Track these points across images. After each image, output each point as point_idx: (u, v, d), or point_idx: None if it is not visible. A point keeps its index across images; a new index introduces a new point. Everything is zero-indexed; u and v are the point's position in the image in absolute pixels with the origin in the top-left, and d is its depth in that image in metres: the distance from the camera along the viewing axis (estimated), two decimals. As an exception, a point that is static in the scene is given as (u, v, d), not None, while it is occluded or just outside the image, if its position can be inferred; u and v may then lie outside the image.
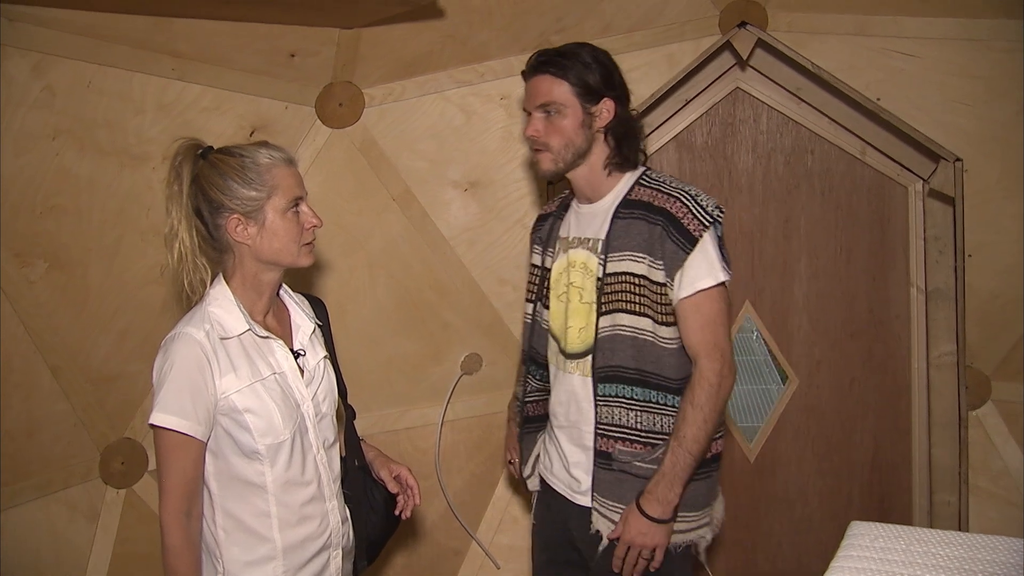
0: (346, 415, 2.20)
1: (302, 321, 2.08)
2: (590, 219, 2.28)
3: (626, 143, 2.24)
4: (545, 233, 2.45)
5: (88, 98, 2.44)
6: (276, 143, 2.00)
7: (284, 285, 2.09)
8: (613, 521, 2.21)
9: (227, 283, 1.95)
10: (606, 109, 2.20)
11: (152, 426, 1.83)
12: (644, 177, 2.25)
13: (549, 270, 2.39)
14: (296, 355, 2.01)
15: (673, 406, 2.17)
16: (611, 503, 2.22)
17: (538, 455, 2.51)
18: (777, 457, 3.49)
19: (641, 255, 2.14)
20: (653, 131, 3.27)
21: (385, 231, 3.10)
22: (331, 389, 2.09)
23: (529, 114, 2.25)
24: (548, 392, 2.43)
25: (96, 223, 2.58)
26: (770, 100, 3.28)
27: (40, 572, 2.71)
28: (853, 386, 3.41)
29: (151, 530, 2.81)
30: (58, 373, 2.62)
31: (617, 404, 2.19)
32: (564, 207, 2.42)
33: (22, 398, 2.57)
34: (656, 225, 2.13)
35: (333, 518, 2.04)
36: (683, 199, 2.14)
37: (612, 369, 2.19)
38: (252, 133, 2.77)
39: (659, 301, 2.14)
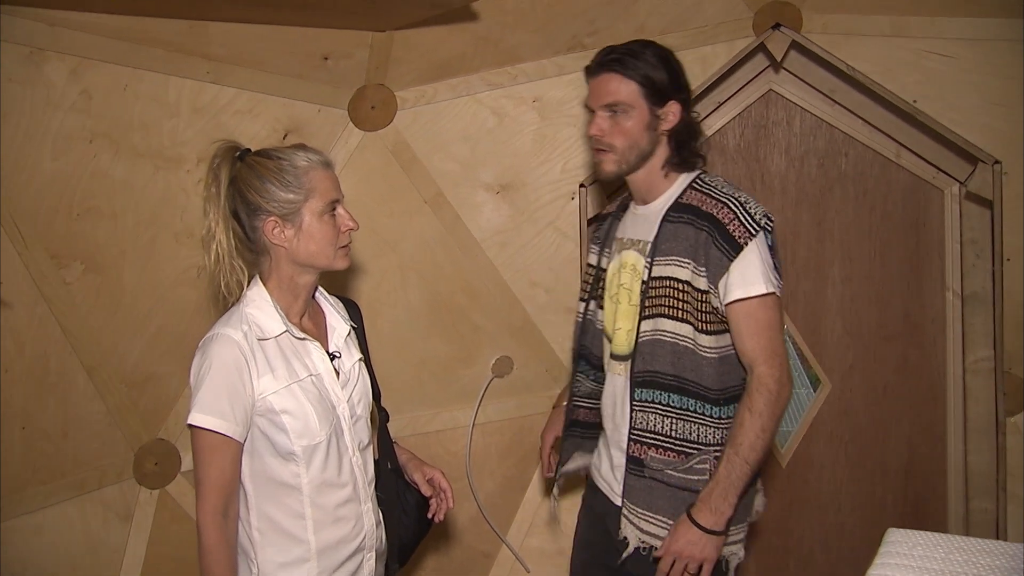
0: (380, 418, 2.20)
1: (337, 323, 2.08)
2: (643, 221, 2.25)
3: (687, 146, 2.20)
4: (603, 233, 2.41)
5: (124, 101, 2.47)
6: (313, 146, 2.01)
7: (320, 287, 2.09)
8: (640, 528, 2.18)
9: (264, 285, 1.96)
10: (672, 112, 2.16)
11: (190, 426, 1.83)
12: (697, 180, 2.20)
13: (605, 270, 2.35)
14: (332, 357, 2.01)
15: (709, 415, 2.13)
16: (640, 510, 2.18)
17: (579, 461, 2.50)
18: (810, 462, 3.45)
19: (686, 260, 2.10)
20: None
21: (417, 233, 3.11)
22: (366, 391, 2.09)
23: (592, 113, 2.19)
24: (598, 398, 2.38)
25: (131, 225, 2.60)
26: (803, 102, 3.25)
27: (75, 571, 2.73)
28: (887, 391, 3.37)
29: (184, 530, 2.85)
30: (93, 373, 2.64)
31: (653, 410, 2.15)
32: (623, 207, 2.38)
33: (58, 398, 2.60)
34: (702, 231, 2.09)
35: (368, 520, 2.04)
36: (731, 205, 2.09)
37: (650, 374, 2.15)
38: (285, 136, 2.79)
39: (701, 308, 2.10)
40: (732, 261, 2.05)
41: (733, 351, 2.15)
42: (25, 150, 2.33)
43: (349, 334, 2.10)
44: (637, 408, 2.18)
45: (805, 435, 3.45)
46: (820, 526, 3.47)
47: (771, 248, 2.10)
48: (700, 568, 2.09)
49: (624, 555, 2.20)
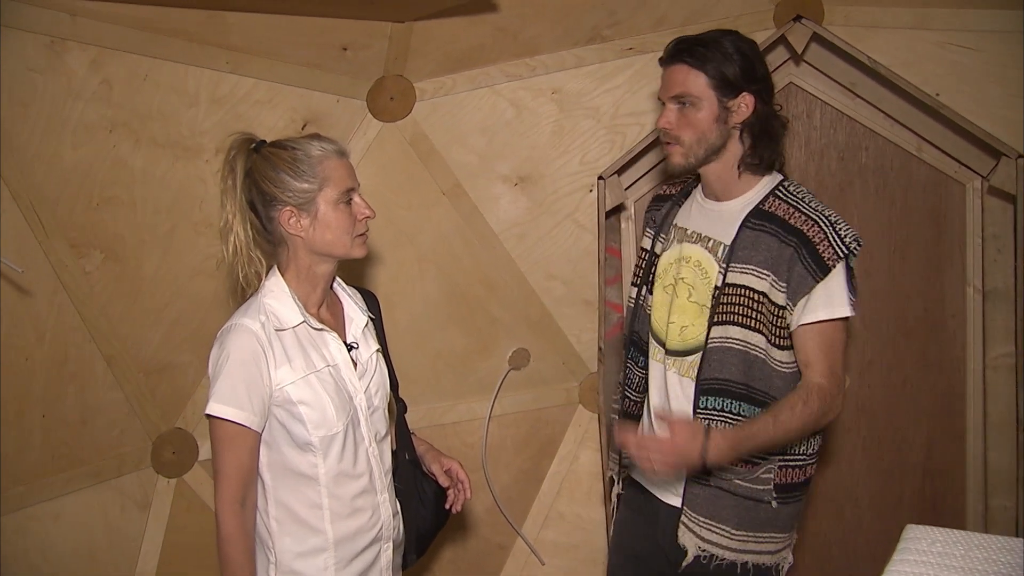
0: (397, 408, 2.20)
1: (355, 314, 2.09)
2: (715, 218, 2.19)
3: (763, 143, 2.13)
4: (660, 217, 2.35)
5: (144, 91, 2.47)
6: (328, 136, 2.01)
7: (338, 278, 2.10)
8: (701, 537, 2.15)
9: (282, 276, 1.96)
10: (744, 104, 2.09)
11: (208, 416, 1.85)
12: (781, 188, 2.14)
13: (658, 256, 2.30)
14: (349, 348, 2.01)
15: None
16: (702, 519, 2.15)
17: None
18: (827, 457, 3.43)
19: (765, 272, 2.05)
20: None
21: (435, 225, 3.11)
22: (383, 382, 2.09)
23: (663, 104, 2.16)
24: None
25: (150, 215, 2.61)
26: (824, 95, 3.22)
27: (94, 558, 2.76)
28: (906, 386, 3.35)
29: (201, 519, 2.86)
30: (112, 362, 2.66)
31: (720, 418, 2.10)
32: (685, 194, 2.32)
33: (78, 387, 2.61)
34: (788, 246, 2.03)
35: (384, 511, 2.04)
36: (822, 223, 2.03)
37: (720, 382, 2.11)
38: (304, 126, 2.79)
39: (775, 323, 2.06)
40: (818, 283, 2.01)
41: None
42: (46, 139, 2.34)
43: (367, 325, 2.10)
44: (702, 416, 2.12)
45: (822, 430, 3.43)
46: (838, 522, 3.45)
47: (851, 271, 2.06)
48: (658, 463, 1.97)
49: (684, 564, 2.17)
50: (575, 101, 3.02)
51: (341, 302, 2.10)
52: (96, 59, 2.34)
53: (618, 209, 3.17)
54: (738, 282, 2.09)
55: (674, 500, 2.23)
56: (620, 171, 3.00)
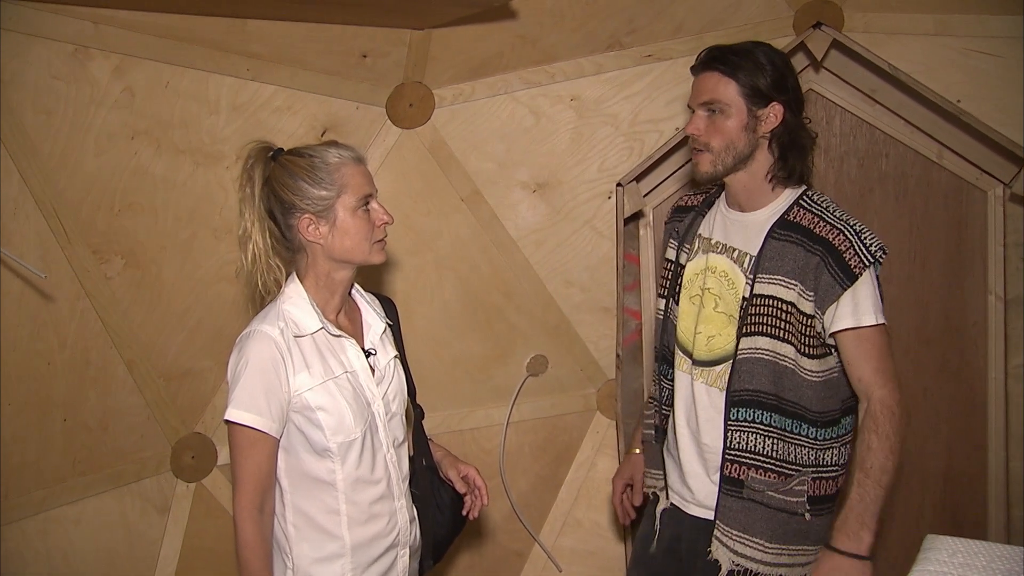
0: (415, 414, 2.21)
1: (373, 320, 2.09)
2: (740, 229, 2.18)
3: (792, 154, 2.12)
4: (684, 228, 2.35)
5: (165, 99, 2.49)
6: (346, 143, 2.02)
7: (356, 284, 2.10)
8: (734, 551, 2.13)
9: (301, 282, 1.97)
10: (773, 113, 2.08)
11: (227, 422, 1.85)
12: (805, 198, 2.14)
13: (683, 267, 2.30)
14: (367, 354, 2.02)
15: (808, 436, 2.10)
16: (736, 532, 2.14)
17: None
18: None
19: (792, 282, 2.05)
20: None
21: (453, 232, 3.11)
22: (401, 388, 2.10)
23: (692, 111, 2.16)
24: None
25: (170, 221, 2.63)
26: (844, 102, 3.20)
27: (113, 562, 2.78)
28: (926, 395, 3.32)
29: (220, 524, 2.88)
30: (132, 367, 2.68)
31: (752, 430, 2.11)
32: (708, 204, 2.32)
33: (98, 391, 2.64)
34: (814, 255, 2.03)
35: (401, 517, 2.04)
36: (847, 232, 2.03)
37: (750, 394, 2.10)
38: (323, 133, 2.80)
39: (804, 332, 2.06)
40: (845, 290, 2.01)
41: (835, 375, 2.12)
42: (69, 147, 2.36)
43: (385, 331, 2.11)
44: (734, 428, 2.13)
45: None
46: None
47: (877, 279, 2.06)
48: None
49: None
50: (594, 108, 3.02)
51: (359, 308, 2.11)
52: (119, 67, 2.37)
53: (636, 216, 3.17)
54: (766, 292, 2.08)
55: (702, 512, 2.22)
56: (638, 178, 3.00)
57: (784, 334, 2.06)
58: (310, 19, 2.58)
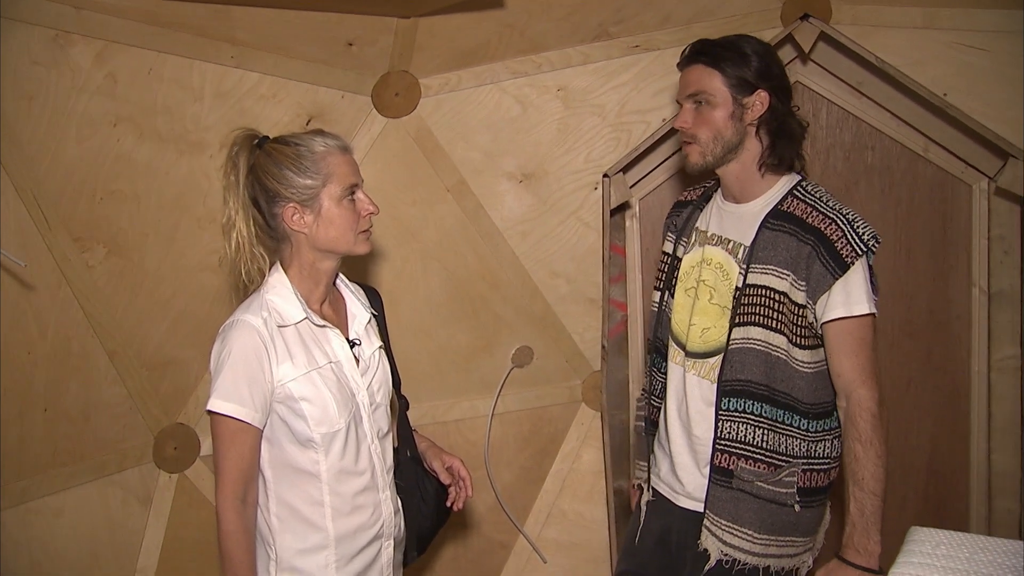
0: (399, 405, 2.20)
1: (358, 311, 2.08)
2: (735, 220, 2.19)
3: (780, 141, 2.13)
4: (681, 222, 2.36)
5: (149, 85, 2.47)
6: (332, 131, 2.00)
7: (341, 274, 2.09)
8: (723, 541, 2.14)
9: (285, 272, 1.95)
10: (759, 101, 2.09)
11: (210, 412, 1.84)
12: (799, 188, 2.14)
13: (680, 260, 2.31)
14: (352, 344, 2.00)
15: (799, 428, 2.10)
16: (725, 522, 2.15)
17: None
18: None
19: (785, 272, 2.06)
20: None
21: (439, 222, 3.10)
22: (386, 379, 2.09)
23: (680, 106, 2.17)
24: None
25: (153, 209, 2.61)
26: (830, 95, 3.21)
27: (96, 552, 2.76)
28: (910, 387, 3.34)
29: (202, 515, 2.86)
30: (114, 357, 2.66)
31: (743, 420, 2.11)
32: (706, 198, 2.33)
33: (80, 381, 2.61)
34: (806, 244, 2.04)
35: (386, 508, 2.03)
36: (839, 222, 2.03)
37: (741, 383, 2.11)
38: (309, 121, 2.78)
39: (796, 322, 2.06)
40: (837, 279, 2.01)
41: (827, 366, 2.12)
42: (50, 133, 2.33)
43: (369, 321, 2.09)
44: (725, 418, 2.13)
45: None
46: (840, 522, 3.44)
47: (870, 269, 2.06)
48: None
49: (706, 568, 2.16)
50: (580, 98, 3.01)
51: (344, 299, 2.09)
52: (101, 53, 2.34)
53: (623, 207, 3.16)
54: (758, 283, 2.09)
55: (692, 504, 2.23)
56: (625, 169, 2.99)
57: (777, 324, 2.07)
58: (296, 6, 2.56)
